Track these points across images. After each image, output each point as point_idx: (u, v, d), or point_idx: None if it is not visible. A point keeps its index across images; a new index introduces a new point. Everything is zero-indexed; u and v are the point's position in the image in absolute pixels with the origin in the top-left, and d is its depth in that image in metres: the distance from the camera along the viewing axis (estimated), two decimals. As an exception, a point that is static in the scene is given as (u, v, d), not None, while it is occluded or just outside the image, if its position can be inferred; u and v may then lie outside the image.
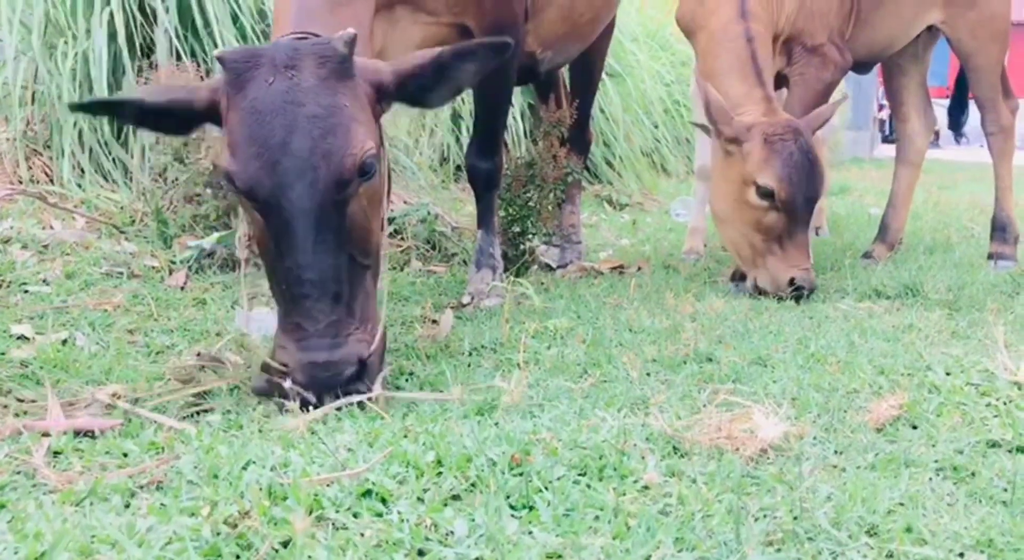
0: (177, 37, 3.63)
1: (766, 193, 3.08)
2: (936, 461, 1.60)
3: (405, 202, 4.20)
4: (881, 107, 17.11)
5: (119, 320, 2.56)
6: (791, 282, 3.10)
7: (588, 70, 3.99)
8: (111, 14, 3.58)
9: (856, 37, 3.63)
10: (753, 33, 3.24)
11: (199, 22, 3.73)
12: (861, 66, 3.89)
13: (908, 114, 4.24)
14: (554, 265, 3.91)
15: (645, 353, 2.33)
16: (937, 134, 27.78)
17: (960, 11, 3.83)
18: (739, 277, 3.39)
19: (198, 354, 2.23)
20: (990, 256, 3.97)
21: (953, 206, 6.81)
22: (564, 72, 4.13)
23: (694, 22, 3.44)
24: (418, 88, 2.06)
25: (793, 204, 3.07)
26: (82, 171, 3.52)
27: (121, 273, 2.99)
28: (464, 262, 3.74)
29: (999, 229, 4.02)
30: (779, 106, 3.23)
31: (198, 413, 1.95)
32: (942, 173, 11.95)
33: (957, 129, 4.55)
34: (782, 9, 3.38)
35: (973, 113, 4.40)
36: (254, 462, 1.55)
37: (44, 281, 2.86)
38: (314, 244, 1.86)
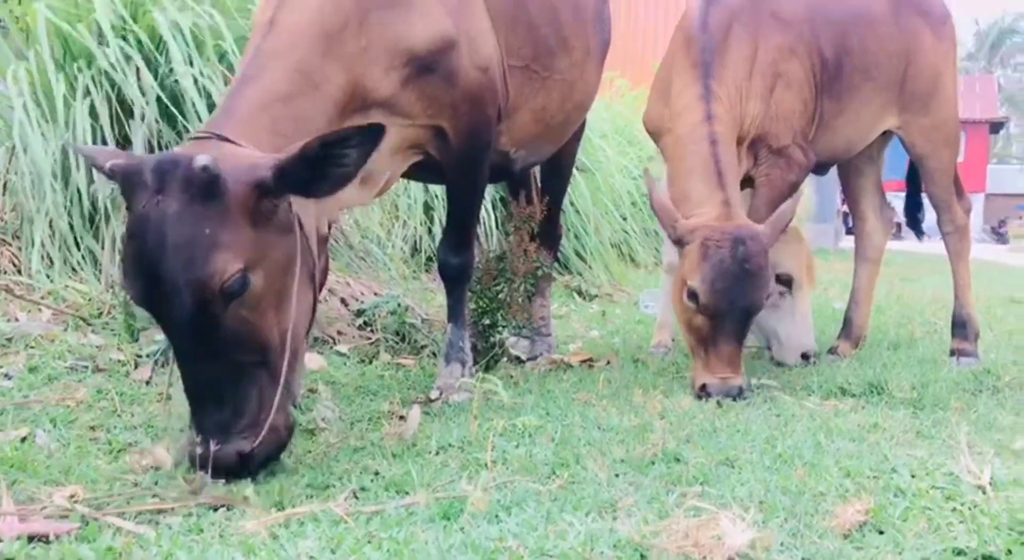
0: (156, 132, 3.66)
1: (692, 295, 3.08)
2: (903, 570, 1.60)
3: (376, 294, 4.21)
4: (844, 200, 17.54)
5: (81, 416, 2.53)
6: (703, 387, 3.07)
7: (559, 168, 4.07)
8: (91, 105, 3.62)
9: (818, 139, 3.73)
10: (717, 136, 3.30)
11: (178, 114, 3.77)
12: (820, 167, 3.98)
13: (865, 213, 4.35)
14: (524, 357, 3.91)
15: (613, 453, 2.32)
16: (899, 226, 28.49)
17: (914, 117, 3.97)
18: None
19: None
20: (952, 353, 4.03)
21: (916, 299, 6.93)
22: (536, 169, 4.21)
23: (661, 125, 3.54)
24: (299, 179, 2.08)
25: (715, 311, 3.04)
26: (51, 262, 3.51)
27: (86, 367, 2.96)
28: (434, 354, 3.74)
29: (959, 326, 4.08)
30: (740, 209, 3.25)
31: (159, 513, 1.91)
32: (904, 265, 12.21)
33: (917, 228, 4.63)
34: (748, 112, 3.47)
35: (928, 208, 4.50)
36: (214, 570, 1.52)
37: (6, 375, 2.81)
38: (192, 356, 2.04)
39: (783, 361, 3.89)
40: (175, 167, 1.98)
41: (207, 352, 2.03)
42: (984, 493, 1.97)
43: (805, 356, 3.87)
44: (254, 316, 2.06)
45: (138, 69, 3.70)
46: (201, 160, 1.97)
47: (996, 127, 39.55)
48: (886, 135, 4.12)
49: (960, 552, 1.68)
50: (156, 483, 2.06)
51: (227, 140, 2.14)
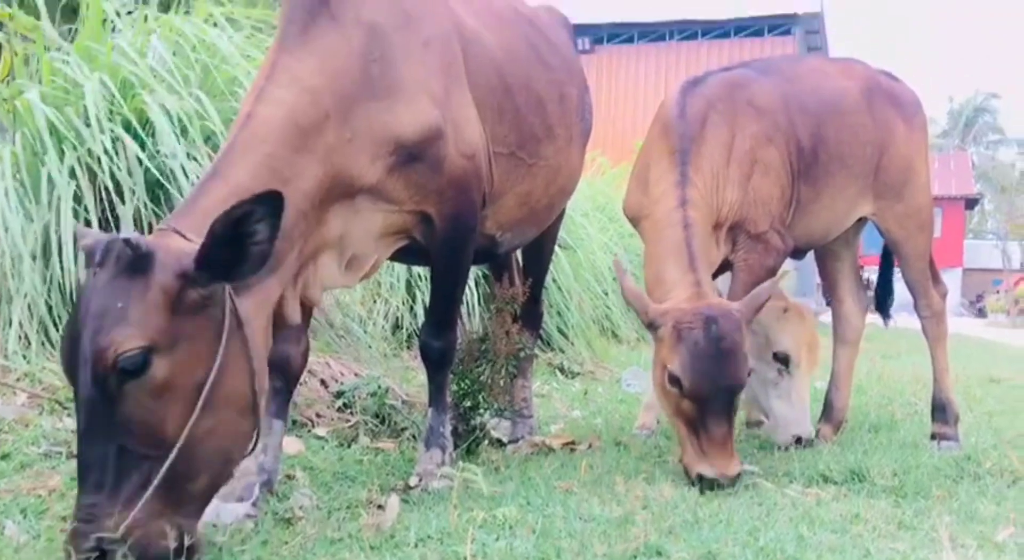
0: (143, 214, 3.68)
1: (674, 380, 3.06)
2: None
3: (356, 374, 4.19)
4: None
5: (54, 506, 2.48)
6: (699, 477, 3.03)
7: (541, 248, 4.10)
8: (77, 186, 3.63)
9: (796, 224, 3.78)
10: (690, 220, 3.34)
11: (163, 197, 3.80)
12: (797, 251, 4.02)
13: (843, 296, 4.39)
14: (505, 440, 3.89)
15: (595, 547, 2.29)
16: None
17: (889, 204, 4.04)
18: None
19: None
20: (933, 436, 4.03)
21: (896, 379, 6.94)
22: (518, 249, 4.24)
23: (640, 211, 3.58)
24: (219, 264, 2.08)
25: (699, 394, 3.01)
26: (28, 342, 3.48)
27: (60, 453, 2.91)
28: (414, 437, 3.71)
29: (939, 410, 4.10)
30: (711, 291, 3.25)
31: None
32: (885, 341, 12.24)
33: (885, 312, 4.65)
34: (725, 199, 3.52)
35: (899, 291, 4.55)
36: None
37: (-23, 462, 2.77)
38: (84, 432, 2.02)
39: (774, 440, 3.89)
40: (114, 245, 2.05)
41: (99, 430, 1.99)
42: (967, 591, 1.96)
43: (798, 439, 3.85)
44: (153, 404, 2.01)
45: (126, 150, 3.73)
46: (130, 237, 2.03)
47: (971, 203, 40.19)
48: (861, 219, 4.19)
49: (944, 657, 1.66)
50: (127, 579, 2.01)
51: (180, 234, 2.16)
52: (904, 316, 4.73)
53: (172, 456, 2.01)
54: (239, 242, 2.07)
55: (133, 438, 2.00)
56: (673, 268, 3.28)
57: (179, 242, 2.14)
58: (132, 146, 3.68)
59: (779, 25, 25.69)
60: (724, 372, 3.01)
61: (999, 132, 49.37)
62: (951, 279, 34.35)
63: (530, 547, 2.28)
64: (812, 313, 4.20)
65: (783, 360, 3.91)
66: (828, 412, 4.25)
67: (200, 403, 2.05)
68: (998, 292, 33.58)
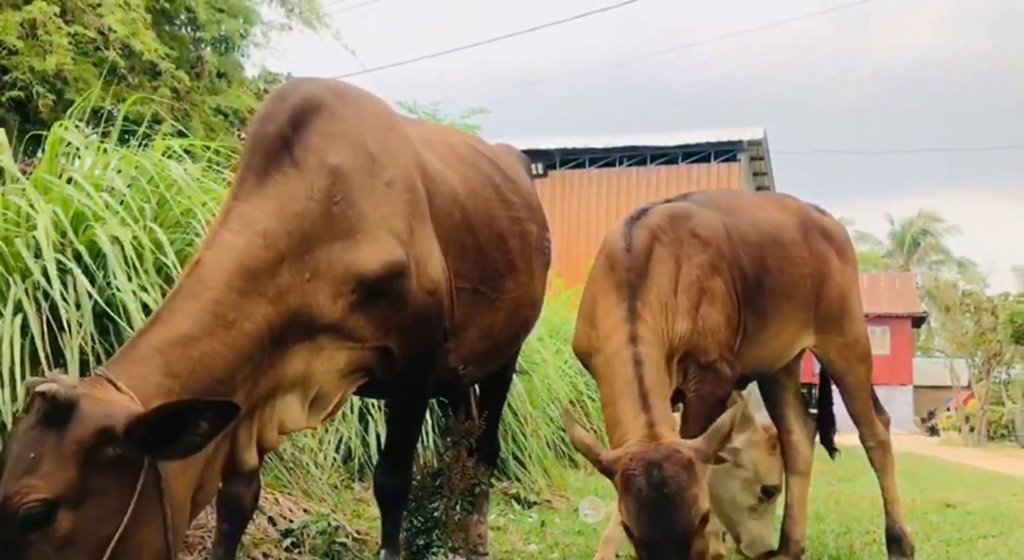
0: (91, 347, 3.60)
1: (627, 529, 2.93)
2: None
3: (305, 510, 4.06)
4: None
5: None
6: None
7: (499, 380, 4.09)
8: (24, 319, 3.56)
9: (744, 353, 3.77)
10: (641, 356, 3.26)
11: (112, 328, 3.73)
12: (741, 380, 4.01)
13: (791, 426, 4.37)
14: (459, 579, 3.77)
15: None
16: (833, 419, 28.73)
17: (830, 336, 4.12)
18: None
19: None
20: None
21: (854, 504, 6.91)
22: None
23: (589, 346, 3.51)
24: (147, 439, 2.06)
25: (647, 544, 2.87)
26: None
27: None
28: (364, 578, 3.59)
29: (895, 542, 4.09)
30: (667, 430, 3.09)
31: None
32: (840, 463, 12.23)
33: (829, 444, 4.61)
34: (675, 330, 3.49)
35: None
36: None
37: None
38: None
39: (749, 554, 4.13)
40: (41, 392, 2.04)
41: None
42: None
43: (770, 554, 4.11)
44: (56, 556, 1.98)
45: (75, 283, 3.68)
46: (48, 387, 2.02)
47: (918, 322, 41.08)
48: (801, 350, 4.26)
49: None
50: None
51: (112, 384, 2.14)
52: (854, 436, 4.73)
53: None
54: (177, 427, 2.06)
55: None
56: (627, 409, 3.15)
57: (110, 394, 2.12)
58: (81, 279, 3.63)
59: (725, 151, 26.62)
60: (668, 520, 2.82)
61: (942, 252, 50.99)
62: (902, 396, 34.72)
63: None
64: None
65: (771, 493, 4.16)
66: (785, 545, 4.18)
67: (105, 558, 2.01)
68: (949, 409, 33.95)
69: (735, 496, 4.21)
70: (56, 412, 2.01)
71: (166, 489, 2.14)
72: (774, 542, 4.18)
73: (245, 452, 2.56)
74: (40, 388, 2.01)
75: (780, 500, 4.31)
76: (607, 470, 2.98)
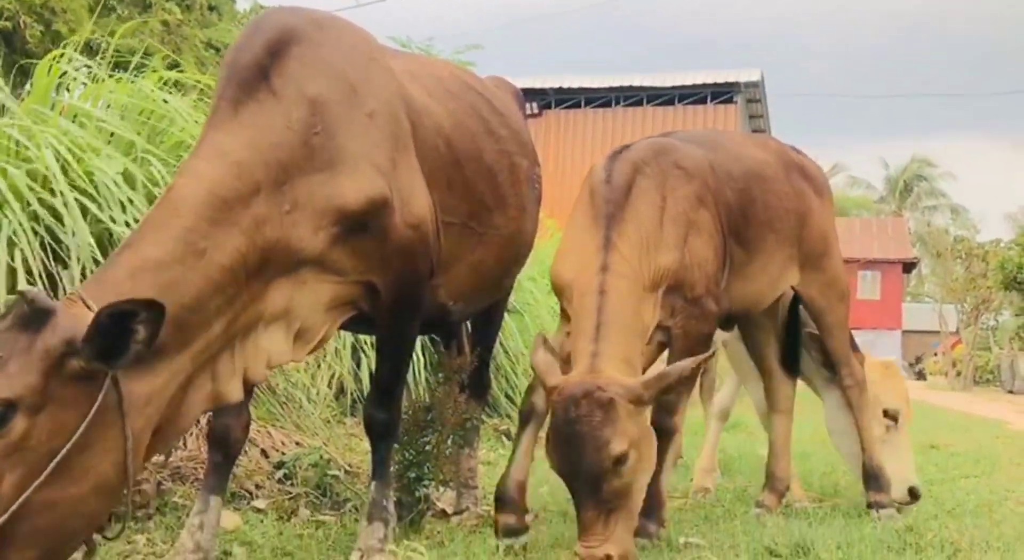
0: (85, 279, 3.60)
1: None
2: None
3: (297, 443, 4.11)
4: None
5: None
6: (575, 554, 2.88)
7: (491, 317, 4.11)
8: (23, 257, 3.55)
9: (731, 288, 3.73)
10: (607, 287, 3.21)
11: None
12: (726, 321, 3.98)
13: (771, 368, 4.42)
14: (450, 511, 3.84)
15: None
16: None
17: (811, 274, 4.14)
18: (635, 532, 3.36)
19: None
20: (870, 505, 4.07)
21: (840, 444, 7.00)
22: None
23: (565, 279, 3.47)
24: (100, 347, 2.07)
25: (561, 474, 2.93)
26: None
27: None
28: (356, 509, 3.64)
29: (872, 479, 4.13)
30: (614, 361, 3.04)
31: None
32: (828, 404, 12.40)
33: (791, 367, 4.50)
34: (659, 262, 3.41)
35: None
36: None
37: None
38: None
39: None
40: (21, 297, 2.08)
41: None
42: None
43: (912, 492, 4.11)
44: (7, 466, 1.99)
45: (71, 214, 3.66)
46: (29, 291, 2.05)
47: (909, 267, 41.22)
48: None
49: None
50: None
51: (84, 303, 2.15)
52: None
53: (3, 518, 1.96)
54: (123, 335, 2.07)
55: None
56: (581, 339, 3.13)
57: (81, 310, 2.13)
58: (75, 208, 3.61)
59: (721, 93, 26.40)
60: (575, 457, 2.83)
61: (935, 197, 50.96)
62: (890, 341, 34.99)
63: (473, 630, 2.23)
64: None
65: (893, 416, 4.19)
66: (770, 481, 4.25)
67: (47, 472, 2.01)
68: (936, 354, 34.25)
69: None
70: (32, 317, 2.04)
71: (127, 412, 2.15)
72: (916, 480, 4.19)
73: (228, 384, 2.54)
74: (23, 288, 2.05)
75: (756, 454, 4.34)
76: (548, 398, 3.01)
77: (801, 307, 4.33)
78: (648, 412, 3.04)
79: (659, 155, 3.60)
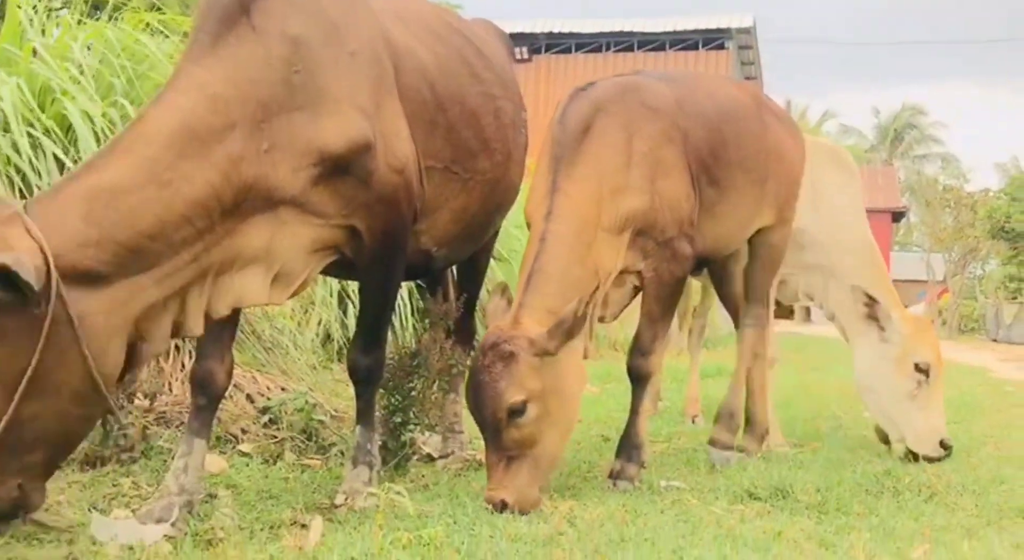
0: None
1: None
2: None
3: (283, 388, 4.12)
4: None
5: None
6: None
7: (476, 264, 4.09)
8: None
9: (703, 228, 3.63)
10: (548, 234, 3.15)
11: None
12: (699, 264, 3.88)
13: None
14: (436, 455, 3.87)
15: (519, 569, 2.29)
16: (808, 311, 29.07)
17: (778, 217, 4.09)
18: (615, 474, 3.41)
19: None
20: (710, 442, 4.00)
21: (823, 392, 7.09)
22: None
23: (527, 222, 3.43)
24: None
25: (473, 419, 3.05)
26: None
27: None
28: (342, 453, 3.67)
29: (724, 416, 4.06)
30: (529, 315, 3.03)
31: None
32: (814, 352, 12.49)
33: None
34: (624, 206, 3.31)
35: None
36: None
37: None
38: None
39: (920, 451, 4.09)
40: None
41: None
42: (882, 611, 1.99)
43: (944, 445, 4.11)
44: None
45: (45, 157, 3.63)
46: None
47: (898, 216, 41.26)
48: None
49: None
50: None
51: (24, 221, 2.15)
52: (828, 328, 4.80)
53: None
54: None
55: None
56: (518, 287, 3.14)
57: (11, 232, 2.12)
58: (51, 149, 3.58)
59: (713, 38, 26.11)
60: (477, 406, 2.96)
61: (926, 146, 50.85)
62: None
63: (455, 569, 2.26)
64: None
65: (924, 370, 4.16)
66: (750, 427, 4.26)
67: (20, 391, 2.11)
68: (923, 304, 34.46)
69: (891, 382, 4.22)
70: None
71: (81, 332, 2.19)
72: (946, 432, 4.19)
73: (193, 317, 2.54)
74: None
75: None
76: None
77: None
78: (568, 364, 3.04)
79: (625, 93, 3.49)
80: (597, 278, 3.27)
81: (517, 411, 2.90)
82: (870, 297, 4.23)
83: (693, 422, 5.27)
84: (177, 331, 2.54)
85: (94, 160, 2.36)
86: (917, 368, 4.18)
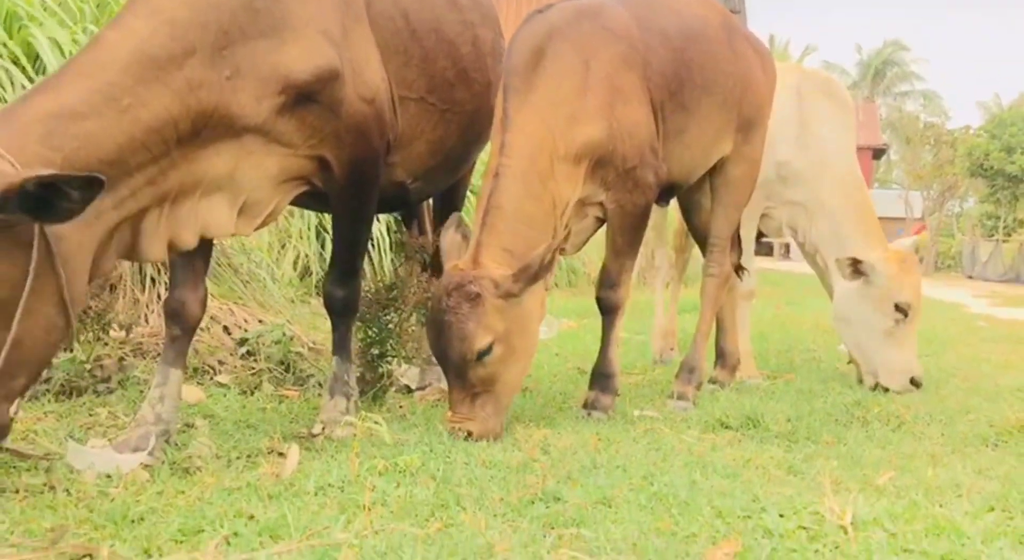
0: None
1: None
2: (764, 616, 1.64)
3: (260, 321, 4.12)
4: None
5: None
6: None
7: (453, 196, 4.06)
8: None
9: (668, 156, 3.55)
10: (501, 169, 3.10)
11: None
12: (663, 193, 3.81)
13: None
14: (413, 387, 3.90)
15: (494, 493, 2.33)
16: (787, 247, 29.16)
17: (738, 145, 3.96)
18: (589, 404, 3.45)
19: None
20: (672, 395, 3.84)
21: (797, 325, 7.17)
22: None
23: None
24: (20, 206, 2.05)
25: (435, 358, 3.11)
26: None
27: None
28: (319, 384, 3.69)
29: (686, 371, 3.92)
30: (489, 253, 3.02)
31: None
32: (791, 287, 12.62)
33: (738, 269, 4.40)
34: (579, 134, 3.21)
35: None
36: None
37: None
38: None
39: (891, 386, 4.19)
40: None
41: None
42: (846, 533, 2.05)
43: (914, 382, 4.21)
44: None
45: (13, 83, 3.56)
46: None
47: (878, 153, 41.33)
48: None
49: (818, 597, 1.74)
50: (12, 533, 1.97)
51: None
52: (803, 265, 4.81)
53: None
54: (50, 195, 2.04)
55: None
56: (474, 224, 3.12)
57: None
58: (19, 77, 3.51)
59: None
60: (442, 347, 2.98)
61: (908, 82, 50.73)
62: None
63: (429, 494, 2.30)
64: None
65: (904, 310, 4.21)
66: (721, 357, 4.32)
67: (19, 314, 2.09)
68: (908, 238, 34.67)
69: (869, 319, 4.25)
70: None
71: (58, 258, 2.17)
72: (919, 370, 4.26)
73: (149, 242, 2.50)
74: None
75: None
76: None
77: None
78: (530, 303, 3.04)
79: (581, 16, 3.35)
80: (555, 211, 3.21)
81: (484, 352, 2.94)
82: (854, 261, 4.20)
83: (671, 352, 5.28)
84: (134, 255, 2.52)
85: (49, 81, 2.30)
86: (897, 308, 4.22)
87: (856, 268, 4.20)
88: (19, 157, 2.11)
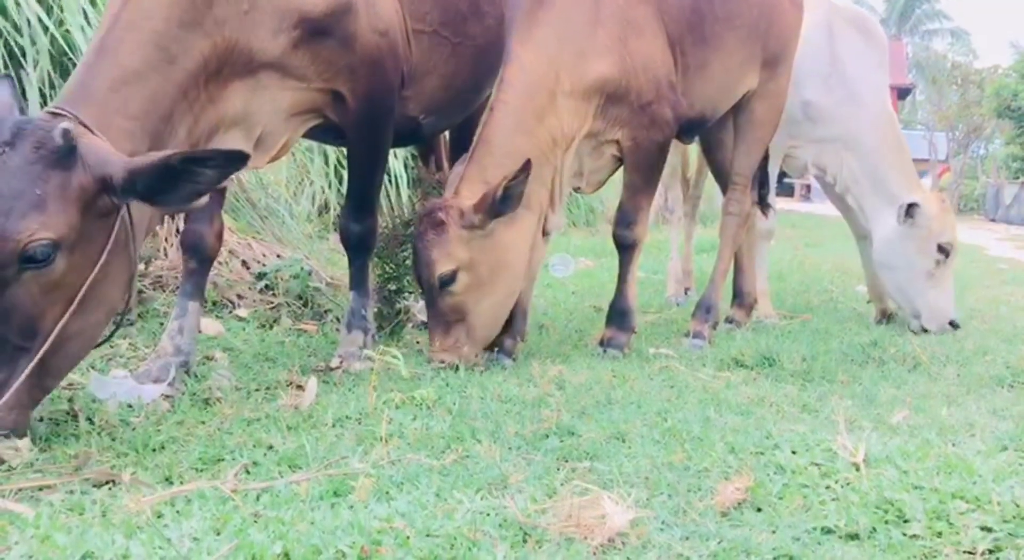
0: (48, 84, 3.52)
1: None
2: (774, 549, 1.66)
3: (279, 256, 4.14)
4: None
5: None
6: None
7: (469, 132, 4.01)
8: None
9: (689, 90, 3.50)
10: (497, 103, 3.08)
11: (71, 68, 3.62)
12: (687, 131, 3.75)
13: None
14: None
15: (509, 427, 2.35)
16: (808, 188, 28.87)
17: (764, 83, 3.91)
18: (605, 342, 3.47)
19: None
20: (688, 333, 3.83)
21: (816, 267, 7.13)
22: (446, 133, 4.17)
23: None
24: (148, 188, 2.09)
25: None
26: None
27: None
28: (337, 319, 3.72)
29: (703, 310, 3.92)
30: (468, 185, 3.03)
31: (41, 489, 1.88)
32: (810, 229, 12.54)
33: (763, 202, 4.37)
34: (587, 70, 3.15)
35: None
36: (92, 554, 1.50)
37: None
38: None
39: (932, 328, 4.18)
40: (31, 126, 2.04)
41: None
42: (858, 470, 2.06)
43: (953, 323, 4.22)
44: (42, 298, 2.04)
45: (29, 19, 3.53)
46: (65, 125, 2.02)
47: (904, 93, 40.60)
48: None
49: (829, 531, 1.76)
50: (38, 459, 2.01)
51: (86, 126, 2.12)
52: (826, 205, 4.76)
53: (43, 350, 2.04)
54: (180, 176, 2.08)
55: (14, 330, 2.02)
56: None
57: (97, 141, 2.10)
58: (36, 9, 3.48)
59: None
60: (417, 269, 3.05)
61: (936, 20, 49.56)
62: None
63: (445, 427, 2.33)
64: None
65: (945, 251, 4.19)
66: (738, 297, 4.31)
67: (75, 304, 2.08)
68: (927, 181, 34.30)
69: (913, 260, 4.20)
70: (65, 153, 2.02)
71: (133, 240, 2.20)
72: (953, 310, 4.26)
73: None
74: (63, 126, 2.02)
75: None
76: None
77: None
78: (507, 236, 3.04)
79: None
80: (555, 148, 3.17)
81: (446, 280, 2.98)
82: (910, 206, 4.13)
83: (685, 294, 5.26)
84: None
85: (104, 42, 2.28)
86: (939, 248, 4.18)
87: (910, 212, 4.14)
88: (108, 134, 2.14)
